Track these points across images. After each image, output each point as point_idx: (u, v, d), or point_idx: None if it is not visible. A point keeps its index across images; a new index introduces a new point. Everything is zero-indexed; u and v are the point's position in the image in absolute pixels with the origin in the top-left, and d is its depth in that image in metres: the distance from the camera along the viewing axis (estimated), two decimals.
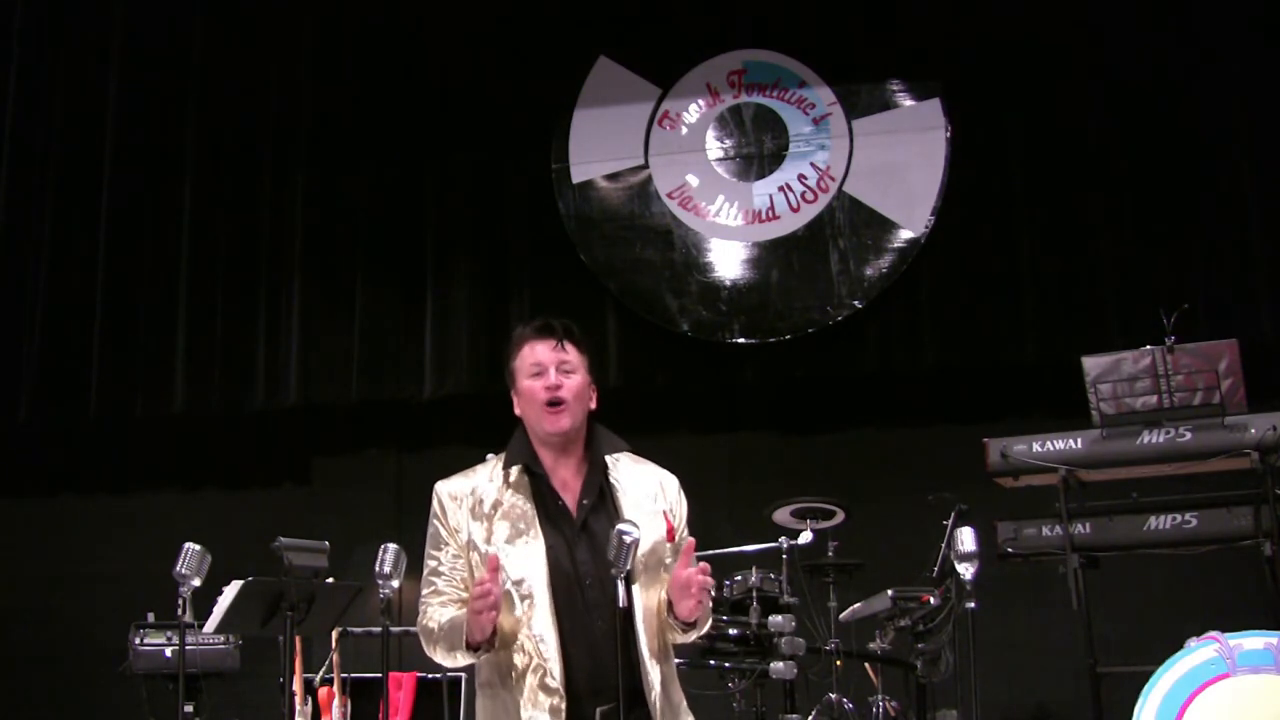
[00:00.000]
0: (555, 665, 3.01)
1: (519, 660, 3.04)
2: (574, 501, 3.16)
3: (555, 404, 3.15)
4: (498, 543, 3.10)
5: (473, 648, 3.04)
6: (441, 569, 3.17)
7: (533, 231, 7.83)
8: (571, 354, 3.19)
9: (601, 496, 3.17)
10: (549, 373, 3.16)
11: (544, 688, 3.01)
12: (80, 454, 8.40)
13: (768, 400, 7.80)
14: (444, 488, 3.22)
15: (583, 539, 3.12)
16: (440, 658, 3.17)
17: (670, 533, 3.19)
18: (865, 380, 7.62)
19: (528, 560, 3.07)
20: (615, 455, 3.24)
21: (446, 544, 3.18)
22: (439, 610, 3.14)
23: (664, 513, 3.19)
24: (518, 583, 3.05)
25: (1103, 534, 5.30)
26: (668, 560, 3.17)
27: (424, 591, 3.19)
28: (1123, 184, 7.14)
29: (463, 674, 5.94)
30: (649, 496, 3.20)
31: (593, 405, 3.25)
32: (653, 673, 3.05)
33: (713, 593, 3.08)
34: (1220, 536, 5.18)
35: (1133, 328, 6.48)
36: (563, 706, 3.00)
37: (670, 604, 3.10)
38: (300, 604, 4.86)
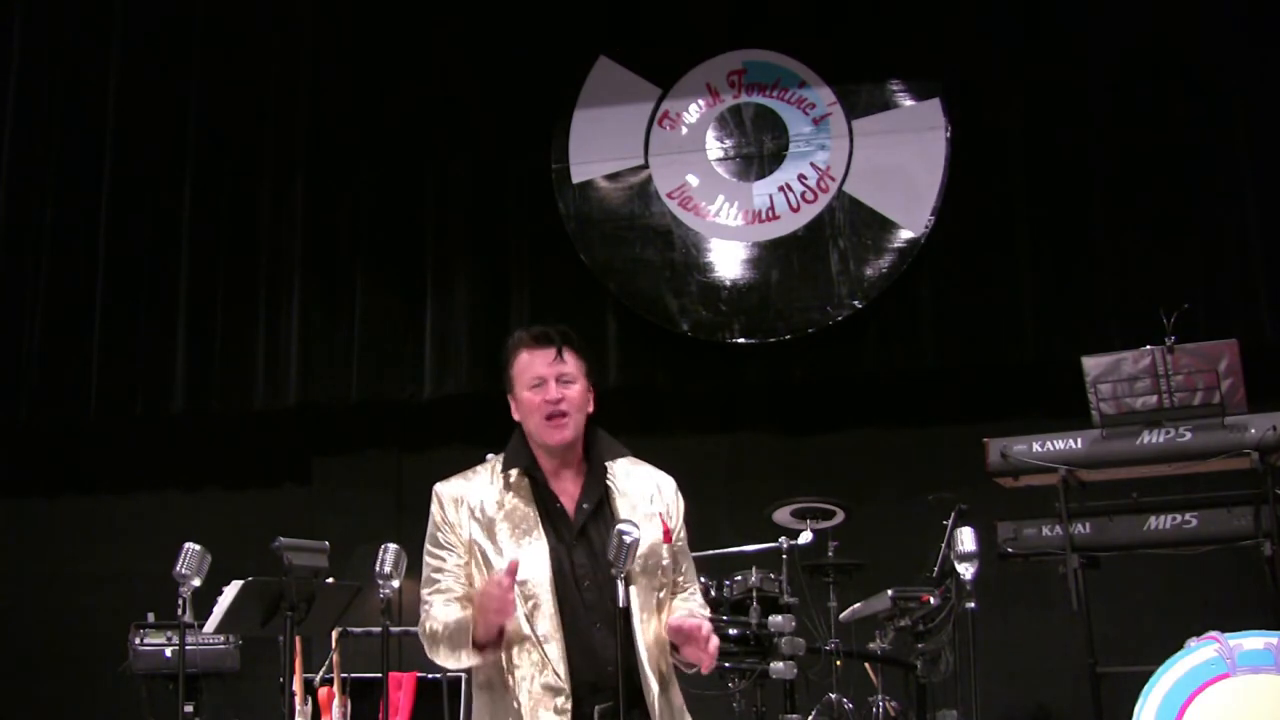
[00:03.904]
0: (561, 667, 3.02)
1: (524, 662, 3.04)
2: (572, 506, 3.16)
3: (556, 417, 3.14)
4: (503, 543, 3.10)
5: (479, 648, 3.04)
6: (445, 567, 3.15)
7: (533, 231, 7.83)
8: (570, 364, 3.17)
9: (600, 502, 3.17)
10: (549, 386, 3.14)
11: (550, 689, 3.02)
12: (80, 454, 8.40)
13: (768, 400, 7.80)
14: (444, 489, 3.22)
15: (580, 543, 3.12)
16: (442, 658, 3.15)
17: (667, 534, 3.18)
18: (865, 380, 7.63)
19: (532, 562, 3.07)
20: (614, 460, 3.23)
21: (448, 544, 3.16)
22: (443, 609, 3.12)
23: (660, 515, 3.19)
24: (521, 583, 3.05)
25: (1103, 534, 5.30)
26: (664, 563, 3.17)
27: (425, 591, 3.17)
28: (1122, 184, 7.14)
29: (463, 674, 5.94)
30: (646, 499, 3.20)
31: (591, 409, 3.23)
32: (651, 674, 3.06)
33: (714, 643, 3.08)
34: (1220, 536, 5.18)
35: (1133, 328, 6.48)
36: (568, 707, 3.01)
37: (674, 645, 3.12)
38: (300, 604, 4.85)
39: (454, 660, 3.13)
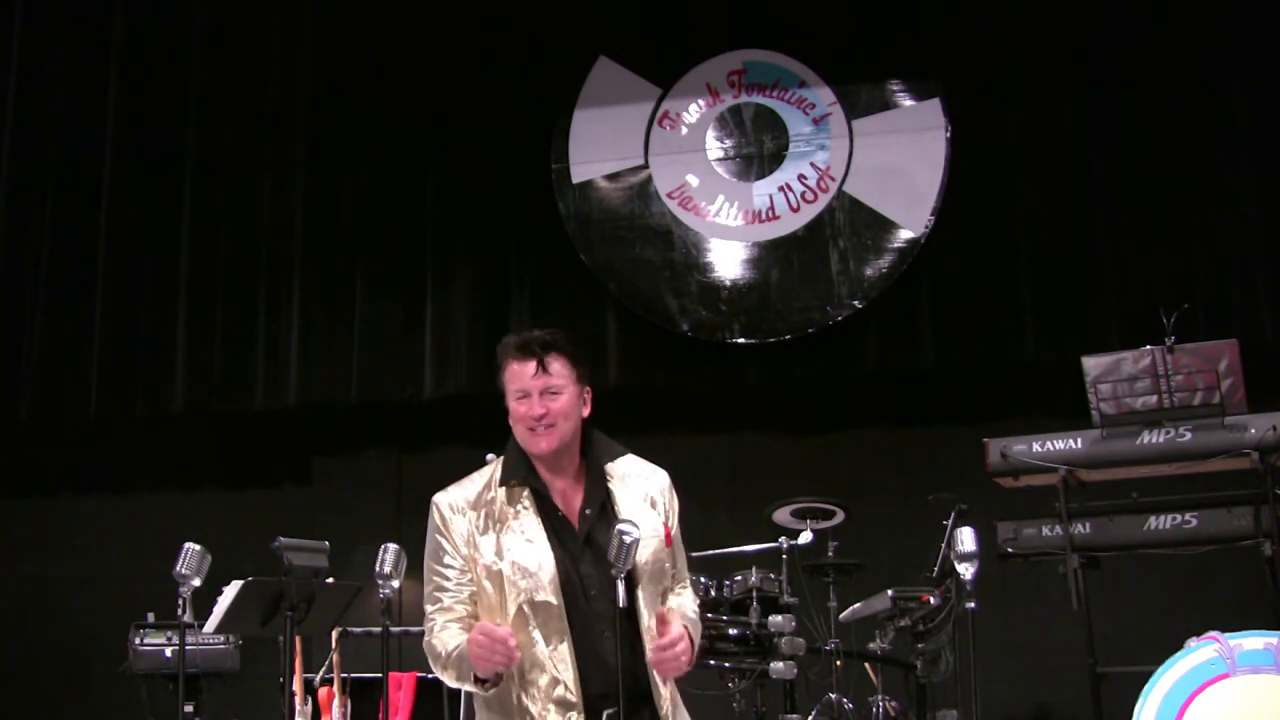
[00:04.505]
0: (572, 680, 3.00)
1: (534, 675, 3.02)
2: (574, 514, 3.13)
3: (539, 430, 3.10)
4: (507, 556, 3.06)
5: (481, 683, 3.01)
6: (447, 584, 3.11)
7: (533, 231, 7.83)
8: (556, 374, 3.11)
9: (602, 508, 3.13)
10: (532, 399, 3.10)
11: (559, 701, 3.00)
12: (80, 454, 8.40)
13: (768, 400, 7.80)
14: (443, 499, 3.17)
15: (586, 552, 3.09)
16: (448, 681, 3.13)
17: (668, 538, 3.17)
18: (865, 380, 7.62)
19: (539, 574, 3.04)
20: (613, 461, 3.20)
21: (451, 558, 3.12)
22: (447, 632, 3.08)
23: (664, 523, 3.17)
24: (530, 599, 3.03)
25: (1103, 534, 5.30)
26: (666, 565, 3.16)
27: (430, 608, 3.13)
28: (1122, 183, 7.14)
29: None
30: (645, 500, 3.18)
31: (586, 412, 3.19)
32: (660, 680, 3.05)
33: (686, 658, 3.04)
34: (1220, 536, 5.18)
35: (1133, 328, 6.49)
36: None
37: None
38: (300, 604, 4.86)
39: (460, 685, 3.11)
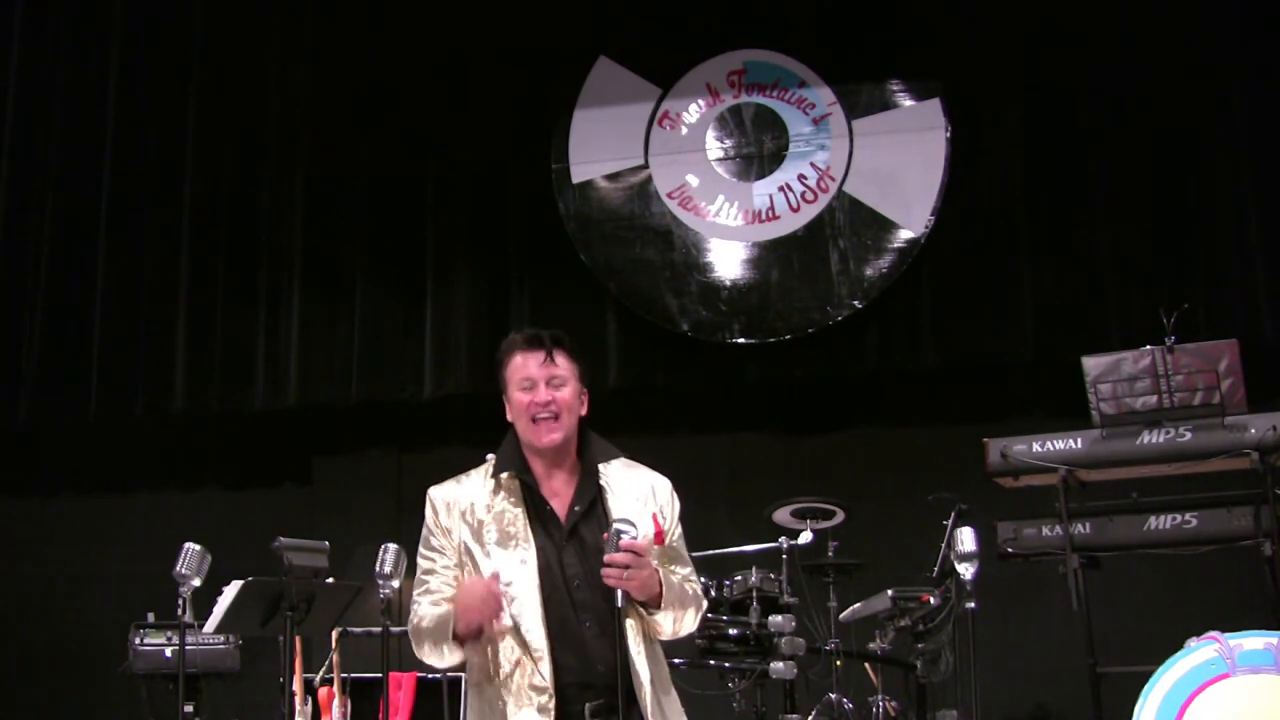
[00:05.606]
0: (545, 665, 3.06)
1: (508, 660, 3.09)
2: (564, 508, 3.19)
3: (545, 420, 3.17)
4: (489, 546, 3.14)
5: (459, 642, 3.10)
6: (435, 569, 3.22)
7: (533, 231, 7.83)
8: (562, 366, 3.21)
9: (592, 504, 3.19)
10: (539, 388, 3.18)
11: (533, 687, 3.06)
12: (80, 454, 8.40)
13: (768, 400, 7.80)
14: (437, 492, 3.27)
15: (571, 544, 3.15)
16: (426, 655, 3.21)
17: (659, 537, 3.19)
18: (865, 380, 7.63)
19: (518, 563, 3.12)
20: (607, 462, 3.25)
21: (440, 546, 3.22)
22: (429, 608, 3.19)
23: (654, 516, 3.20)
24: (508, 585, 3.10)
25: (1103, 534, 5.29)
26: (654, 564, 3.17)
27: (416, 592, 3.24)
28: (1122, 183, 7.14)
29: (462, 674, 5.94)
30: (639, 500, 3.22)
31: (584, 411, 3.26)
32: (642, 671, 3.09)
33: (630, 573, 3.00)
34: (1220, 536, 5.17)
35: (1133, 328, 6.49)
36: (551, 705, 3.04)
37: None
38: (300, 604, 4.86)
39: (437, 656, 3.19)
